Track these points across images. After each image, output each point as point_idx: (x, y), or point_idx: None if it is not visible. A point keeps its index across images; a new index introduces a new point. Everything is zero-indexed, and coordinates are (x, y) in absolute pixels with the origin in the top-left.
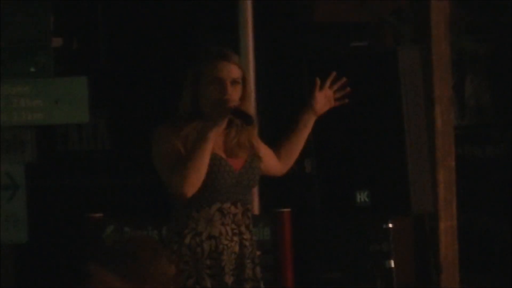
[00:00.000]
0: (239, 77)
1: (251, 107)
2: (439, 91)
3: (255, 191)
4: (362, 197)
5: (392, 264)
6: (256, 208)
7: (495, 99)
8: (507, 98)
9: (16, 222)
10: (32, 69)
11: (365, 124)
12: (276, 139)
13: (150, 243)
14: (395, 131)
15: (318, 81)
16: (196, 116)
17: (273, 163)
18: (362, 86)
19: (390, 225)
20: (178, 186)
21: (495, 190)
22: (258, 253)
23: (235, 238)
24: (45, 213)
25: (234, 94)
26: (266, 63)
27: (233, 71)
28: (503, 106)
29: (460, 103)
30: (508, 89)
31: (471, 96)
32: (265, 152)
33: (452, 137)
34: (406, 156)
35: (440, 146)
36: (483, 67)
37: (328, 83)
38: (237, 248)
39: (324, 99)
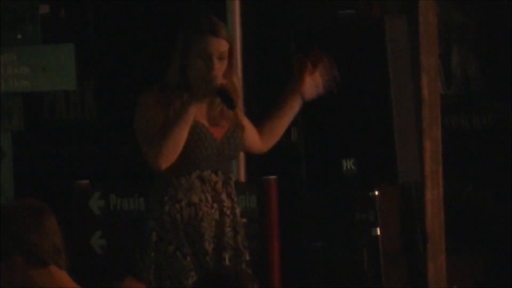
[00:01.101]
0: (226, 50)
1: (237, 79)
2: (426, 61)
3: (241, 159)
4: (348, 165)
5: (378, 232)
6: (242, 176)
7: (481, 69)
8: (493, 68)
9: (2, 189)
10: (19, 37)
11: (352, 93)
12: (263, 111)
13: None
14: (382, 100)
15: (309, 64)
16: (183, 87)
17: (255, 140)
18: (349, 55)
19: (377, 193)
20: (153, 158)
21: (481, 160)
22: (243, 220)
23: (215, 205)
24: (31, 181)
25: (220, 69)
26: (253, 32)
27: (221, 46)
28: (490, 76)
29: (447, 73)
30: (494, 59)
31: (457, 66)
32: (248, 127)
33: (439, 107)
34: (392, 125)
35: (427, 115)
36: (470, 37)
37: (308, 63)
38: (217, 215)
39: (312, 83)
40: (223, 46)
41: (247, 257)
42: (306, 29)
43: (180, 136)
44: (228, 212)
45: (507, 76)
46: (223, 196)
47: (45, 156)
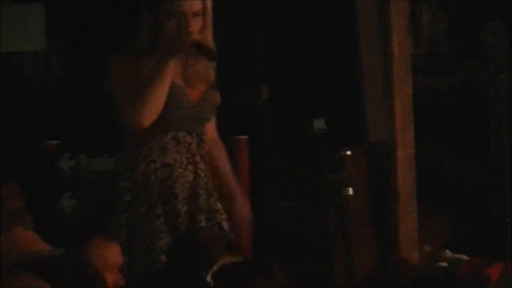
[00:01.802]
0: (200, 9)
1: (210, 38)
2: (396, 20)
3: (214, 120)
4: (318, 125)
5: (350, 192)
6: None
7: (451, 28)
8: (462, 27)
9: None
10: None
11: (321, 52)
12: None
13: None
14: (351, 59)
15: None
16: (153, 50)
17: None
18: (317, 14)
19: (349, 153)
20: (135, 116)
21: (449, 120)
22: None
23: (190, 167)
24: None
25: (195, 26)
26: None
27: (195, 3)
28: (458, 35)
29: (417, 32)
30: (464, 18)
31: (427, 25)
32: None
33: (409, 65)
34: (362, 84)
35: (397, 74)
36: None
37: None
38: (191, 177)
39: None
40: (197, 3)
41: (220, 219)
42: None
43: (161, 93)
44: (202, 174)
45: (476, 35)
46: (197, 158)
47: (13, 118)
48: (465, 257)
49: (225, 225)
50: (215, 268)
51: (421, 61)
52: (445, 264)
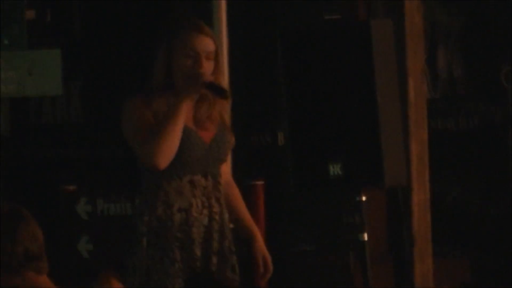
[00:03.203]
0: (213, 51)
1: (225, 82)
2: (412, 64)
3: (228, 162)
4: (335, 169)
5: (365, 237)
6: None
7: (467, 72)
8: (479, 71)
9: None
10: (6, 42)
11: (339, 97)
12: (248, 113)
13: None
14: (368, 103)
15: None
16: (168, 89)
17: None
18: (335, 59)
19: (363, 198)
20: (151, 158)
21: (468, 162)
22: (231, 225)
23: (205, 211)
24: (18, 185)
25: (207, 68)
26: (239, 36)
27: (208, 45)
28: (476, 79)
29: (433, 76)
30: (480, 62)
31: (443, 69)
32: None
33: (425, 109)
34: (379, 128)
35: (413, 118)
36: (456, 39)
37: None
38: (206, 221)
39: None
40: (210, 45)
41: (234, 262)
42: (292, 32)
43: (176, 133)
44: (216, 217)
45: (493, 78)
46: (212, 201)
47: (32, 161)
48: None
49: (237, 269)
50: None
51: (439, 104)
52: None
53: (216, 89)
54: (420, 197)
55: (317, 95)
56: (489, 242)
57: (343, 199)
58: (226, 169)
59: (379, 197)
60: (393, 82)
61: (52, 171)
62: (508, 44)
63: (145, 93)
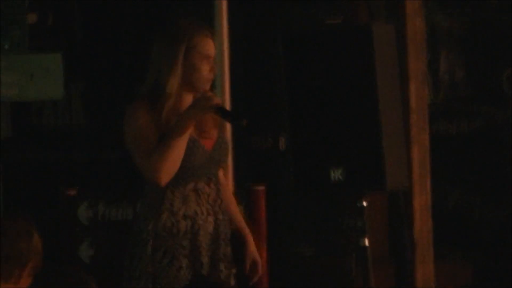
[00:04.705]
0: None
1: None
2: (413, 67)
3: (230, 168)
4: (336, 174)
5: (366, 242)
6: (230, 185)
7: (469, 76)
8: (481, 74)
9: None
10: (7, 46)
11: (340, 101)
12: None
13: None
14: (370, 107)
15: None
16: (172, 95)
17: None
18: (337, 62)
19: (364, 203)
20: (154, 173)
21: (470, 166)
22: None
23: (210, 218)
24: (19, 188)
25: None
26: (241, 39)
27: (214, 49)
28: (477, 82)
29: (435, 80)
30: (481, 64)
31: (445, 73)
32: None
33: (426, 113)
34: (380, 132)
35: (414, 122)
36: (457, 42)
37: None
38: (211, 228)
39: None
40: (214, 48)
41: (233, 270)
42: (294, 35)
43: (180, 151)
44: (221, 224)
45: (494, 82)
46: (216, 208)
47: (33, 163)
48: None
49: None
50: None
51: (441, 108)
52: None
53: (224, 113)
54: (421, 201)
55: (318, 99)
56: (491, 245)
57: (345, 203)
58: (220, 170)
59: (380, 201)
60: (394, 86)
61: (53, 175)
62: (509, 48)
63: (148, 99)
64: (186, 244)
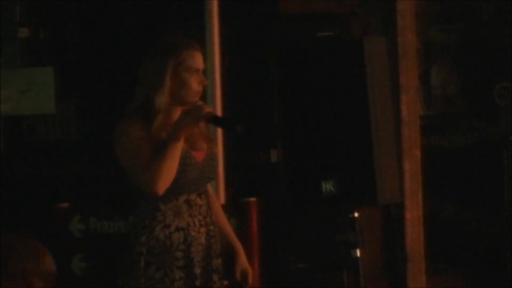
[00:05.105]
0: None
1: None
2: (405, 81)
3: (221, 180)
4: (328, 187)
5: (358, 254)
6: (222, 198)
7: (461, 89)
8: (473, 88)
9: None
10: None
11: (332, 114)
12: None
13: (27, 241)
14: (362, 121)
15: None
16: (162, 110)
17: None
18: (329, 76)
19: (356, 215)
20: (151, 185)
21: (463, 179)
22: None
23: (202, 230)
24: (11, 203)
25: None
26: (233, 53)
27: (203, 61)
28: (470, 96)
29: (427, 93)
30: (474, 79)
31: (438, 86)
32: None
33: (418, 127)
34: (372, 145)
35: (406, 136)
36: (450, 57)
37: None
38: (203, 240)
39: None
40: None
41: (225, 282)
42: (286, 49)
43: (175, 161)
44: (213, 235)
45: (487, 96)
46: (208, 219)
47: (24, 179)
48: None
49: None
50: None
51: (433, 121)
52: None
53: (219, 122)
54: (413, 214)
55: (311, 112)
56: (484, 259)
57: (336, 216)
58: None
59: (373, 214)
60: (386, 99)
61: (45, 189)
62: (502, 62)
63: (140, 115)
64: (180, 256)
